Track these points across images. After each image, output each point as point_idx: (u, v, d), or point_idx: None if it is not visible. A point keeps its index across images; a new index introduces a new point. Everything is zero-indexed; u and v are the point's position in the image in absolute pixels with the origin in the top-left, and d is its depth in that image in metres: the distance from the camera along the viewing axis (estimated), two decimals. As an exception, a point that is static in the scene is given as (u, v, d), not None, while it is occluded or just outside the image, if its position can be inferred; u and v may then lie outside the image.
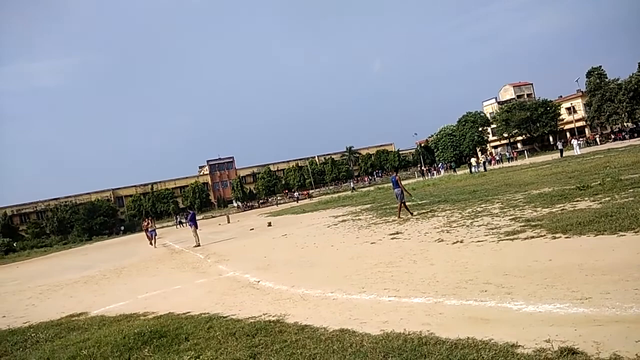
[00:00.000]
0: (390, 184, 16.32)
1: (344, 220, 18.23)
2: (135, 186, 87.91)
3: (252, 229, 24.05)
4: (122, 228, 73.86)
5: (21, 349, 6.26)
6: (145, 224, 27.79)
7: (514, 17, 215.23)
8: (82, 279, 15.37)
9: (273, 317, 5.58)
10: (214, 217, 66.06)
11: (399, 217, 14.71)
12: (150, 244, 24.72)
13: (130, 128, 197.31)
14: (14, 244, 65.31)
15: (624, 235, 6.46)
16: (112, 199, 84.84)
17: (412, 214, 14.67)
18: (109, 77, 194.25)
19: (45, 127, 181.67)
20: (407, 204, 15.26)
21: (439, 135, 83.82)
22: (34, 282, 17.37)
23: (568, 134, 72.36)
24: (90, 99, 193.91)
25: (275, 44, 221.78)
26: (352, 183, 74.43)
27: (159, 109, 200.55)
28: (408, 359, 3.48)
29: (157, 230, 27.03)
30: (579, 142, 41.90)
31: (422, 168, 72.11)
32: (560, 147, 42.10)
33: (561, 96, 78.13)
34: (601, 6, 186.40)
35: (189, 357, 4.15)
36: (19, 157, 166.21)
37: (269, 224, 24.82)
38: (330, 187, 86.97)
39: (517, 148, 76.80)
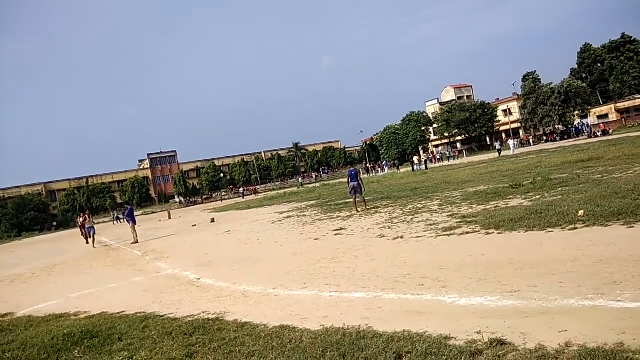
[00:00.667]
0: (343, 180, 16.59)
1: (289, 217, 18.20)
2: (69, 180, 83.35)
3: (195, 225, 23.50)
4: (55, 224, 69.91)
5: None
6: (81, 219, 25.06)
7: (457, 20, 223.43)
8: (8, 277, 14.40)
9: (212, 315, 5.47)
10: (154, 212, 63.95)
11: (366, 208, 14.84)
12: (87, 242, 22.10)
13: (66, 117, 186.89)
14: None
15: (552, 231, 6.86)
16: (44, 193, 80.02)
17: (357, 210, 14.87)
18: (45, 58, 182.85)
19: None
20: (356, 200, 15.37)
21: (383, 134, 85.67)
22: (-48, 282, 16.07)
23: (504, 135, 76.04)
24: (23, 81, 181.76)
25: (224, 38, 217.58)
26: (300, 179, 74.57)
27: (99, 97, 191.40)
28: (346, 353, 3.51)
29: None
30: (514, 142, 44.13)
31: (368, 165, 73.36)
32: (498, 147, 44.19)
33: (498, 99, 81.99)
34: (538, 14, 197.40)
35: (121, 357, 3.98)
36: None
37: (212, 220, 24.34)
38: (277, 183, 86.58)
39: (456, 147, 79.81)
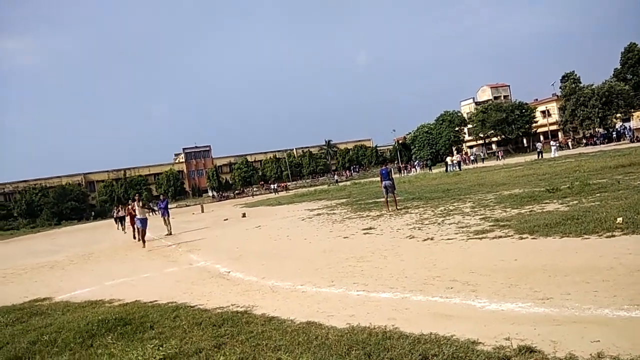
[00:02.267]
0: (374, 178, 16.56)
1: (318, 214, 18.26)
2: (107, 171, 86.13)
3: (226, 220, 23.89)
4: (93, 214, 72.47)
5: (-21, 333, 6.07)
6: (130, 207, 20.19)
7: (495, 17, 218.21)
8: (48, 263, 15.02)
9: (241, 308, 5.56)
10: (188, 205, 65.39)
11: (397, 208, 14.77)
12: (135, 237, 18.13)
13: (106, 112, 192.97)
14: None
15: (588, 238, 6.65)
16: (84, 183, 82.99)
17: (388, 209, 14.78)
18: (87, 59, 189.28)
19: (18, 107, 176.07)
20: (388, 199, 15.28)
21: (416, 133, 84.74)
22: (-3, 266, 16.90)
23: (542, 137, 73.91)
24: (67, 81, 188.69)
25: (258, 36, 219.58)
26: (335, 176, 74.66)
27: (137, 94, 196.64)
28: (371, 353, 3.52)
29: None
30: (556, 144, 42.72)
31: (400, 165, 72.75)
32: (539, 148, 42.90)
33: (537, 99, 79.80)
34: (580, 11, 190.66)
35: (152, 345, 4.10)
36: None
37: (244, 215, 24.70)
38: (307, 180, 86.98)
39: (491, 149, 78.17)
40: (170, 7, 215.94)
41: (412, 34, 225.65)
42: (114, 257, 14.36)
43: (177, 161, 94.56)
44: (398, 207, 15.00)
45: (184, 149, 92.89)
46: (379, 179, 17.09)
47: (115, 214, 27.81)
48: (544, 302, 4.33)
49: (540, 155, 40.40)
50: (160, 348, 3.98)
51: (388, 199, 15.19)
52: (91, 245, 20.46)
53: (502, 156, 52.27)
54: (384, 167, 16.03)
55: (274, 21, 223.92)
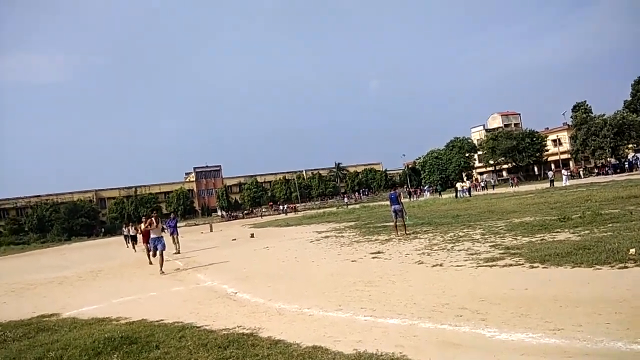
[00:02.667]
0: (383, 202, 16.48)
1: (327, 237, 18.21)
2: (119, 189, 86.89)
3: (235, 240, 23.89)
4: (103, 230, 72.81)
5: (-14, 348, 6.09)
6: (143, 225, 16.03)
7: (506, 47, 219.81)
8: (57, 279, 15.09)
9: (247, 330, 5.53)
10: (197, 224, 65.51)
11: (405, 233, 14.70)
12: (150, 261, 15.80)
13: (118, 129, 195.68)
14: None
15: (600, 269, 6.55)
16: (95, 200, 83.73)
17: (397, 234, 14.71)
18: (99, 76, 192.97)
19: (30, 123, 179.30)
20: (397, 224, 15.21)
21: (426, 158, 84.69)
22: (7, 279, 17.03)
23: (553, 165, 73.54)
24: (79, 97, 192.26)
25: (271, 57, 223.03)
26: (345, 199, 74.74)
27: (149, 111, 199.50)
28: (378, 380, 3.47)
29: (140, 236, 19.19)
30: (567, 173, 42.50)
31: (409, 189, 72.55)
32: (550, 176, 42.71)
33: (547, 128, 79.63)
34: (591, 43, 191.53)
35: (157, 366, 4.09)
36: (1, 152, 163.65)
37: (252, 236, 24.68)
38: (316, 202, 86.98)
39: (502, 175, 77.80)
40: (184, 29, 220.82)
41: (425, 62, 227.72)
42: (122, 274, 14.38)
43: (187, 180, 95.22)
44: (407, 232, 14.93)
45: (194, 168, 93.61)
46: (388, 202, 17.03)
47: (125, 231, 26.68)
48: (555, 333, 4.26)
49: (552, 184, 40.13)
50: (166, 368, 3.95)
51: (397, 223, 15.12)
52: (100, 262, 20.53)
53: (515, 183, 51.83)
54: (393, 191, 16.01)
55: (288, 41, 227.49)
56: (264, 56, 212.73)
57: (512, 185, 51.97)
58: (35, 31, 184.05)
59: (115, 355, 4.81)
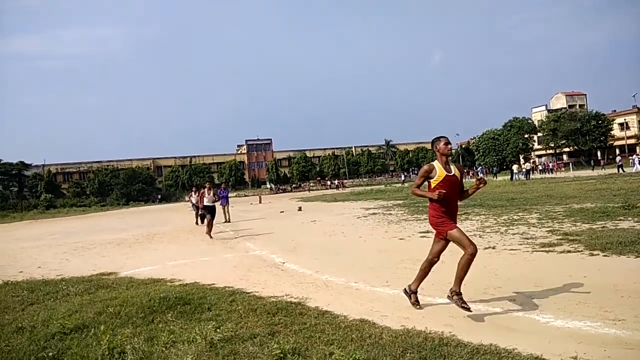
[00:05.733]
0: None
1: (374, 214, 18.13)
2: (175, 157, 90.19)
3: (283, 212, 24.26)
4: (159, 197, 76.02)
5: (52, 299, 6.52)
6: (202, 191, 15.28)
7: (576, 22, 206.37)
8: (115, 240, 15.93)
9: (295, 299, 5.61)
10: (246, 196, 67.07)
11: None
12: (208, 228, 14.03)
13: (175, 100, 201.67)
14: (55, 201, 68.43)
15: (668, 260, 6.13)
16: (152, 167, 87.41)
17: None
18: (158, 49, 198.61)
19: (92, 92, 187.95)
20: None
21: (481, 138, 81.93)
22: (70, 239, 18.15)
23: (617, 151, 69.28)
24: (140, 70, 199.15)
25: (328, 31, 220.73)
26: (403, 176, 73.75)
27: (205, 84, 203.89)
28: (427, 358, 3.42)
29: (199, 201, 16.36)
30: (639, 158, 39.77)
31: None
32: (619, 162, 40.24)
33: (614, 110, 74.81)
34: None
35: (209, 326, 4.21)
36: (66, 119, 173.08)
37: (300, 209, 24.98)
38: (364, 179, 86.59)
39: (562, 159, 74.21)
40: (240, 3, 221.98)
41: (487, 37, 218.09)
42: (177, 239, 14.98)
43: (239, 152, 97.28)
44: None
45: (246, 140, 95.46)
46: None
47: (193, 200, 20.90)
48: (615, 324, 4.04)
49: (620, 169, 37.86)
50: (218, 330, 4.08)
51: None
52: (156, 226, 21.48)
53: (562, 168, 49.29)
54: None
55: (346, 17, 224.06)
56: (319, 33, 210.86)
57: (598, 167, 49.25)
58: (95, 5, 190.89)
59: (170, 315, 5.01)
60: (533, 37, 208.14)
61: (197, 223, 19.26)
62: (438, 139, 5.09)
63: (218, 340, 3.89)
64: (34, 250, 14.86)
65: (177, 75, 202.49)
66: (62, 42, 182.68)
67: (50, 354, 3.97)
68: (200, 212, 16.94)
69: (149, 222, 25.42)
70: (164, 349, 3.89)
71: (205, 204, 14.60)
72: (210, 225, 13.99)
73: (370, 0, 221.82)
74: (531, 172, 42.77)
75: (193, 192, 21.32)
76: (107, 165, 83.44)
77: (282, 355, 3.54)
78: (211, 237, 13.67)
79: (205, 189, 14.93)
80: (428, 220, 5.10)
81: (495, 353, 3.44)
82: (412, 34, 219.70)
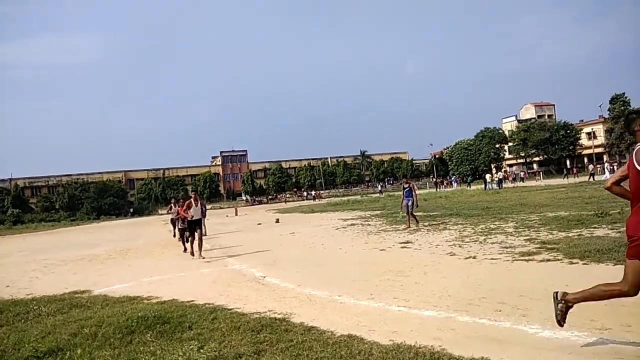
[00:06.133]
0: (400, 192, 15.76)
1: (352, 224, 18.10)
2: (147, 170, 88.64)
3: (260, 224, 24.01)
4: (131, 210, 74.42)
5: (23, 321, 6.22)
6: (188, 202, 12.79)
7: (541, 36, 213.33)
8: (87, 256, 15.43)
9: (279, 314, 5.47)
10: (222, 208, 66.33)
11: (409, 226, 14.46)
12: (186, 248, 13.49)
13: (147, 112, 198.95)
14: (23, 216, 66.23)
15: (646, 267, 6.24)
16: (124, 180, 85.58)
17: (409, 225, 14.44)
18: (128, 57, 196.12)
19: (63, 102, 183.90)
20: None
21: (454, 148, 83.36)
22: (39, 255, 17.51)
23: (586, 159, 71.48)
24: (109, 79, 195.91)
25: (299, 41, 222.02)
26: (380, 186, 74.04)
27: (177, 96, 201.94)
28: (419, 374, 3.35)
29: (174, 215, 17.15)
30: (610, 167, 40.95)
31: (436, 179, 71.67)
32: (591, 170, 41.40)
33: (582, 120, 77.25)
34: (628, 33, 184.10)
35: (192, 346, 4.05)
36: (36, 130, 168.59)
37: (277, 221, 24.77)
38: (340, 190, 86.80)
39: (532, 168, 76.04)
40: (212, 15, 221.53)
41: (458, 49, 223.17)
42: (151, 254, 14.60)
43: (214, 164, 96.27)
44: (417, 225, 14.50)
45: (221, 152, 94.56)
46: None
47: (172, 213, 18.76)
48: (602, 333, 4.05)
49: (592, 177, 39.00)
50: (201, 350, 3.91)
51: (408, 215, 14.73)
52: (129, 241, 20.93)
53: (537, 177, 50.68)
54: (407, 186, 14.92)
55: (319, 24, 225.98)
56: (290, 41, 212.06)
57: (522, 180, 50.62)
58: (69, 13, 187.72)
59: (149, 335, 4.81)
60: (504, 48, 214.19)
61: (175, 236, 17.55)
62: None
63: (203, 361, 3.73)
64: (0, 268, 14.24)
65: (149, 86, 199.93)
66: (30, 51, 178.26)
67: (23, 381, 3.74)
68: (180, 227, 14.36)
69: (121, 237, 24.79)
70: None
71: (193, 217, 12.11)
72: (200, 243, 11.92)
73: (345, 11, 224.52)
74: (503, 181, 43.58)
75: (173, 205, 18.80)
76: (77, 179, 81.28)
77: (270, 375, 3.41)
78: (203, 257, 11.63)
79: (192, 200, 12.41)
80: (626, 231, 3.57)
81: (488, 367, 3.39)
82: (385, 44, 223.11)
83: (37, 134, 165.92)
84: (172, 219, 18.63)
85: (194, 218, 12.14)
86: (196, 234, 12.08)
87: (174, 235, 17.62)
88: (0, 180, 75.37)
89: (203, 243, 12.31)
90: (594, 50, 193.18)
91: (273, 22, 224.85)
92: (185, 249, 13.31)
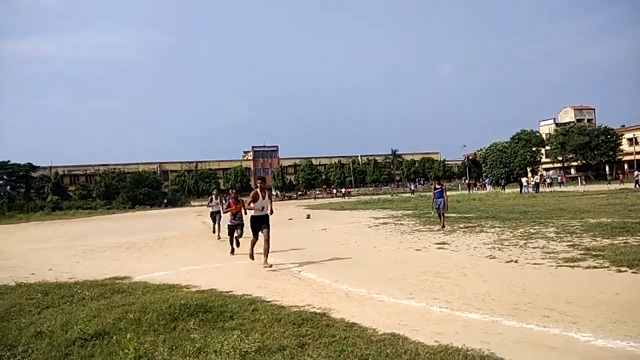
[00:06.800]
0: (431, 192, 15.48)
1: (384, 223, 17.94)
2: (181, 162, 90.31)
3: (291, 219, 24.10)
4: (165, 201, 76.00)
5: (67, 303, 6.40)
6: (254, 192, 9.68)
7: (583, 38, 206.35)
8: (125, 244, 15.83)
9: (318, 309, 5.45)
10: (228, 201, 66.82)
11: (443, 227, 14.21)
12: (233, 246, 11.70)
13: (182, 106, 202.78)
14: (62, 203, 68.59)
15: (701, 279, 5.94)
16: (159, 171, 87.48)
17: (443, 226, 14.21)
18: (167, 54, 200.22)
19: (102, 96, 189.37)
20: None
21: (488, 151, 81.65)
22: (78, 241, 18.08)
23: (626, 166, 68.79)
24: (149, 74, 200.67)
25: (336, 40, 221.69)
26: (412, 186, 73.35)
27: (212, 90, 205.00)
28: (470, 377, 3.26)
29: (211, 207, 16.55)
30: None
31: (469, 181, 70.39)
32: (637, 177, 39.74)
33: (624, 125, 74.37)
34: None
35: (236, 336, 4.07)
36: (74, 122, 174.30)
37: (308, 217, 24.83)
38: (370, 189, 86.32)
39: (570, 173, 73.74)
40: (246, 12, 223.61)
41: (496, 51, 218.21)
42: (187, 244, 14.86)
43: (245, 158, 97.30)
44: (445, 225, 14.44)
45: (252, 147, 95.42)
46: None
47: (213, 206, 16.69)
48: (660, 345, 3.86)
49: (637, 184, 37.57)
50: (245, 340, 3.93)
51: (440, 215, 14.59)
52: (164, 230, 21.38)
53: (585, 182, 48.97)
54: (439, 186, 14.64)
55: (355, 27, 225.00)
56: (330, 42, 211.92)
57: (561, 184, 49.12)
58: (106, 9, 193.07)
59: (192, 322, 4.87)
60: (542, 51, 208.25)
61: (215, 232, 15.93)
62: None
63: (248, 351, 3.75)
64: (43, 251, 14.78)
65: (185, 81, 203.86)
66: (72, 45, 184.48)
67: (74, 361, 3.84)
68: (231, 223, 11.84)
69: (156, 226, 25.35)
70: (196, 359, 3.74)
71: (263, 209, 9.42)
72: (267, 246, 9.16)
73: (382, 11, 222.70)
74: (540, 185, 42.38)
75: (214, 197, 16.71)
76: (114, 169, 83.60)
77: (316, 369, 3.39)
78: (270, 265, 8.93)
79: (258, 190, 9.48)
80: None
81: (541, 374, 3.28)
82: (421, 46, 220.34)
83: (76, 126, 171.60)
84: (212, 213, 16.48)
85: (263, 211, 9.37)
86: (262, 234, 9.26)
87: (214, 232, 16.05)
88: (41, 168, 78.16)
89: (270, 246, 9.26)
90: (637, 54, 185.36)
91: (307, 19, 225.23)
92: (233, 251, 11.55)
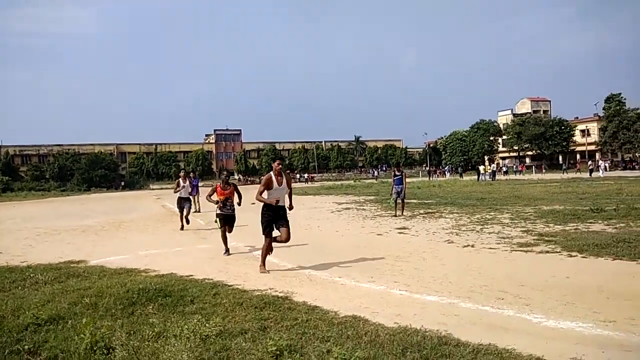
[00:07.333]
0: (408, 179, 15.49)
1: (347, 208, 18.09)
2: (139, 144, 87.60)
3: (254, 204, 23.81)
4: (122, 184, 73.77)
5: (20, 288, 6.15)
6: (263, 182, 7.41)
7: (544, 32, 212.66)
8: (80, 227, 15.30)
9: (280, 293, 5.45)
10: (214, 185, 65.97)
11: (401, 213, 14.40)
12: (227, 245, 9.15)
13: (141, 85, 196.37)
14: (13, 184, 65.51)
15: (644, 264, 6.30)
16: (115, 153, 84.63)
17: (396, 213, 14.41)
18: (126, 30, 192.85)
19: (56, 73, 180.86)
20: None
21: (449, 139, 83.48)
22: (31, 224, 17.34)
23: (578, 156, 71.94)
24: (106, 52, 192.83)
25: (300, 25, 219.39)
26: (376, 172, 73.80)
27: (173, 72, 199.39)
28: (428, 357, 3.34)
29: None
30: (604, 165, 41.40)
31: (430, 168, 71.83)
32: (590, 166, 41.71)
33: (577, 117, 77.54)
34: (633, 34, 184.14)
35: (197, 320, 4.01)
36: (25, 99, 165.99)
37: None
38: (333, 174, 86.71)
39: (525, 162, 76.46)
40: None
41: (458, 42, 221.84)
42: (146, 228, 14.51)
43: (207, 141, 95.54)
44: (404, 212, 14.60)
45: (215, 130, 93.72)
46: (408, 180, 15.73)
47: (181, 190, 13.90)
48: (607, 325, 4.07)
49: (591, 173, 39.53)
50: (206, 324, 3.88)
51: (397, 202, 14.67)
52: (122, 214, 20.79)
53: (543, 169, 51.13)
54: (399, 173, 14.67)
55: (325, 14, 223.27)
56: (293, 26, 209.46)
57: (518, 173, 51.25)
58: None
59: (151, 307, 4.77)
60: (504, 44, 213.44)
61: (183, 224, 13.21)
62: None
63: (209, 335, 3.70)
64: (-8, 234, 14.09)
65: (144, 59, 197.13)
66: (28, 19, 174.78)
67: (26, 346, 3.69)
68: (221, 213, 9.47)
69: (113, 209, 24.62)
70: (154, 344, 3.66)
71: (277, 202, 7.21)
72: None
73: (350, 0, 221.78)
74: (496, 173, 43.81)
75: (181, 180, 13.93)
76: (68, 149, 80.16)
77: (277, 352, 3.39)
78: (268, 272, 6.91)
79: (273, 174, 7.32)
80: None
81: (496, 353, 3.40)
82: (386, 34, 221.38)
83: (28, 103, 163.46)
84: (180, 199, 13.57)
85: (279, 203, 7.15)
86: (282, 231, 7.07)
87: (182, 224, 13.17)
88: (-10, 147, 74.27)
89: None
90: (593, 49, 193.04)
91: (276, 6, 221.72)
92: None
